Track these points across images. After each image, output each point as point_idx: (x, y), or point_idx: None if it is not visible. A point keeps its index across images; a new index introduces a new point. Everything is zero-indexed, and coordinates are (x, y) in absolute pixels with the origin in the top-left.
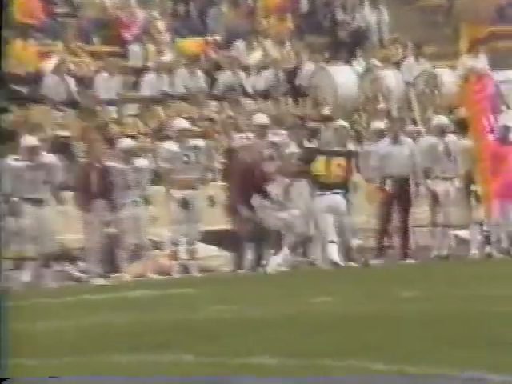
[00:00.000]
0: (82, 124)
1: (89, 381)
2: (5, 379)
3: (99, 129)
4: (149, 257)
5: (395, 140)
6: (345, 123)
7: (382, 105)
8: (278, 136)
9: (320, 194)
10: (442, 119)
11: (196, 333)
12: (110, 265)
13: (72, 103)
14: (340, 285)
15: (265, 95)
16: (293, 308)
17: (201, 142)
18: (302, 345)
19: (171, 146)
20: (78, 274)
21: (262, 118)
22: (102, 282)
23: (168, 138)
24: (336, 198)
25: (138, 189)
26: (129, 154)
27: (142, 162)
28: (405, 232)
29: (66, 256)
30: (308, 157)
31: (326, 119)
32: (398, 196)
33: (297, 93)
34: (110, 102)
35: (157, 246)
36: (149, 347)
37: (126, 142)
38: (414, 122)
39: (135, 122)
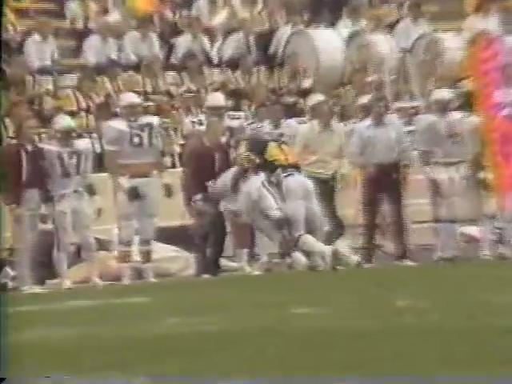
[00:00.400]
0: (10, 97)
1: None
2: (3, 379)
3: (31, 103)
4: (93, 259)
5: (378, 121)
6: (322, 98)
7: (372, 76)
8: (236, 120)
9: (286, 175)
10: (443, 93)
11: (151, 351)
12: (46, 269)
13: None
14: (324, 292)
15: (232, 64)
16: (268, 320)
17: (155, 120)
18: (276, 365)
19: (119, 124)
20: (4, 280)
21: (216, 99)
22: (35, 289)
23: (115, 115)
24: (302, 179)
25: (78, 176)
26: (67, 135)
27: (83, 144)
28: (399, 228)
29: None
30: (258, 146)
31: (306, 93)
32: (386, 186)
33: (271, 62)
34: (44, 71)
35: (103, 245)
36: (93, 368)
37: (64, 120)
38: (411, 97)
39: (75, 95)
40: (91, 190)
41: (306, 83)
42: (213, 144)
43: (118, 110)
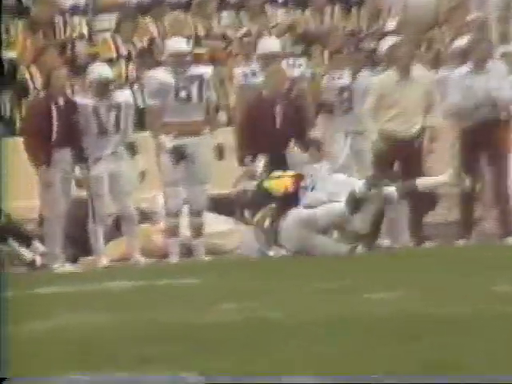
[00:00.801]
0: (37, 42)
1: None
2: (4, 379)
3: (61, 49)
4: (135, 233)
5: (479, 68)
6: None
7: (472, 14)
8: (297, 68)
9: None
10: None
11: (201, 341)
12: (80, 244)
13: (20, 11)
14: (405, 275)
15: (301, 2)
16: (339, 308)
17: (208, 70)
18: (346, 360)
19: (163, 74)
20: (32, 256)
21: (268, 45)
22: (67, 268)
23: (159, 63)
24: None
25: (118, 135)
26: (104, 86)
27: (123, 97)
28: (502, 200)
29: (15, 232)
30: None
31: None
32: (487, 148)
33: None
34: (77, 11)
35: (147, 216)
36: (132, 361)
37: (101, 69)
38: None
39: (113, 39)
40: (133, 150)
41: (391, 25)
42: (273, 95)
43: (162, 57)
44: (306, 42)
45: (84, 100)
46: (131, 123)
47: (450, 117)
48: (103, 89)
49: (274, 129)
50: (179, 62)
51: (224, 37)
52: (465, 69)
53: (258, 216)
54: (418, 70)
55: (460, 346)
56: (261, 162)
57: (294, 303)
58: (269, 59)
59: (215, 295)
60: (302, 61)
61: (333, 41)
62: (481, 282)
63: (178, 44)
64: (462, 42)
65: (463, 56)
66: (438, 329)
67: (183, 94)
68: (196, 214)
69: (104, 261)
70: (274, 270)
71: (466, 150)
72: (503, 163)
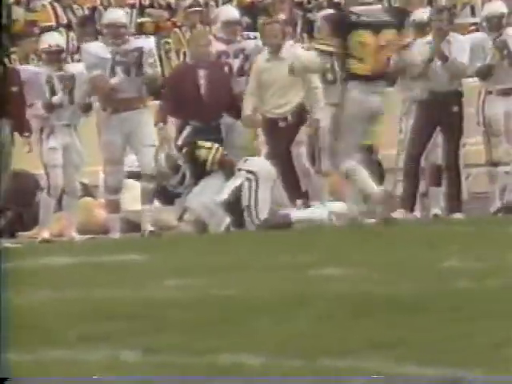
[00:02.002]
0: None
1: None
2: (5, 379)
3: None
4: (74, 207)
5: (440, 38)
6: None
7: None
8: (252, 40)
9: None
10: (495, 6)
11: (143, 319)
12: (16, 219)
13: None
14: (352, 251)
15: None
16: (289, 285)
17: (149, 43)
18: (295, 340)
19: (99, 48)
20: None
21: (229, 12)
22: (5, 243)
23: (101, 34)
24: None
25: (71, 106)
26: (56, 55)
27: (75, 68)
28: (453, 175)
29: None
30: None
31: (341, 8)
32: (442, 121)
33: None
34: None
35: (88, 190)
36: (71, 340)
37: (52, 37)
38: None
39: (53, 7)
40: (86, 108)
41: None
42: (196, 62)
43: (100, 27)
44: (253, 13)
45: (34, 69)
46: (84, 95)
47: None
48: (55, 58)
49: (198, 97)
50: (116, 33)
51: (169, 6)
52: (425, 40)
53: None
54: (291, 48)
55: (411, 323)
56: (185, 131)
57: (243, 280)
58: (229, 27)
59: (160, 272)
60: (256, 34)
61: (280, 11)
62: (427, 259)
63: (115, 15)
64: (422, 14)
65: (423, 28)
66: (387, 306)
67: (119, 69)
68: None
69: (46, 234)
70: (220, 246)
71: (421, 121)
72: (458, 140)
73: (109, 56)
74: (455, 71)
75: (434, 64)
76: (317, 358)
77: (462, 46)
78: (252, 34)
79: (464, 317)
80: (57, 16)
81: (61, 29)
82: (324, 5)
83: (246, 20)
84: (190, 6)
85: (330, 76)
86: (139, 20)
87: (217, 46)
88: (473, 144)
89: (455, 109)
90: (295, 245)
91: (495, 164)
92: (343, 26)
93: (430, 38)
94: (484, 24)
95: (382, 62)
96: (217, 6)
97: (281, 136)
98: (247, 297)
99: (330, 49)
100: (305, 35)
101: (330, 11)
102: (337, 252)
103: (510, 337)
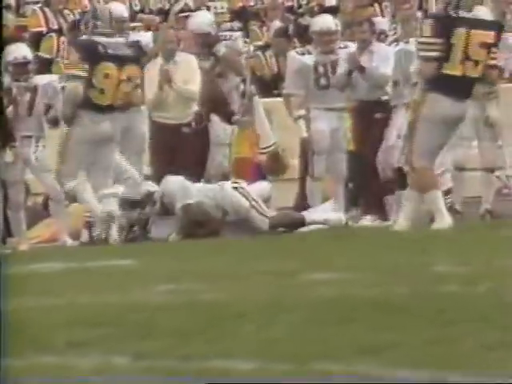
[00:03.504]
0: None
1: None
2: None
3: None
4: (63, 213)
5: (363, 47)
6: None
7: None
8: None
9: None
10: None
11: (135, 324)
12: (3, 226)
13: None
14: (339, 255)
15: None
16: (279, 290)
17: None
18: (285, 345)
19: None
20: None
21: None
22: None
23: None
24: None
25: (31, 118)
26: (21, 68)
27: (42, 80)
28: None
29: None
30: None
31: (333, 13)
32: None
33: None
34: None
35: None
36: (65, 345)
37: (18, 50)
38: None
39: (43, 11)
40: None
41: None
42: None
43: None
44: (244, 17)
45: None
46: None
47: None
48: (21, 70)
49: None
50: (121, 28)
51: (160, 11)
52: (350, 49)
53: None
54: (182, 55)
55: (401, 328)
56: None
57: (232, 286)
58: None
59: (149, 277)
60: (236, 34)
61: (271, 16)
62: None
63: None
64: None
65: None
66: (375, 311)
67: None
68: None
69: (24, 246)
70: (211, 251)
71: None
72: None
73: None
74: (374, 81)
75: (355, 74)
76: (306, 362)
77: (385, 56)
78: (232, 35)
79: (451, 320)
80: (47, 21)
81: (51, 34)
82: (315, 9)
83: (237, 24)
84: (181, 11)
85: None
86: (130, 25)
87: None
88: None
89: (377, 116)
90: (282, 250)
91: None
92: (91, 55)
93: (354, 48)
94: None
95: (121, 94)
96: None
97: None
98: (235, 302)
99: (80, 73)
100: (296, 40)
101: (325, 16)
102: (324, 257)
103: (498, 340)
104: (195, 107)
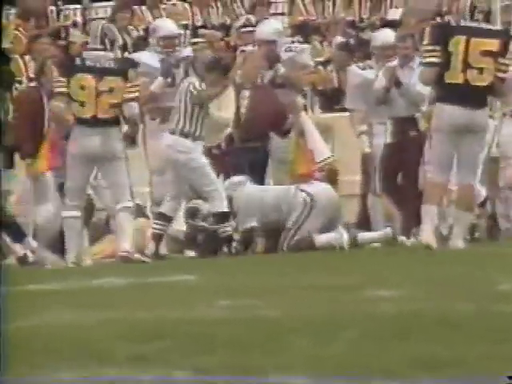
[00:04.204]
0: (29, 31)
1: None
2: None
3: (55, 38)
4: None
5: (404, 62)
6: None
7: (480, 3)
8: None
9: None
10: None
11: (195, 338)
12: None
13: None
14: (400, 272)
15: None
16: (338, 305)
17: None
18: (345, 360)
19: (148, 57)
20: (24, 252)
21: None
22: (60, 264)
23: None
24: None
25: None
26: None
27: None
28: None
29: (8, 226)
30: None
31: (394, 27)
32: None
33: None
34: None
35: (141, 211)
36: (124, 360)
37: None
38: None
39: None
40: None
41: (393, 14)
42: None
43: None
44: (306, 32)
45: None
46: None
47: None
48: None
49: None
50: (169, 45)
51: (222, 26)
52: (393, 63)
53: None
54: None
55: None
56: None
57: (291, 301)
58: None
59: (210, 292)
60: (301, 46)
61: (333, 31)
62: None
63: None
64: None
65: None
66: (438, 327)
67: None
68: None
69: (88, 261)
70: (270, 266)
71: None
72: (416, 159)
73: (157, 65)
74: (410, 98)
75: (392, 90)
76: (364, 378)
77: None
78: (294, 46)
79: (510, 338)
80: (112, 37)
81: (117, 50)
82: (377, 24)
83: (299, 39)
84: (243, 26)
85: None
86: (192, 40)
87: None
88: None
89: (412, 133)
90: (339, 266)
91: None
92: (67, 68)
93: (395, 63)
94: None
95: (105, 106)
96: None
97: None
98: (293, 317)
99: (62, 90)
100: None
101: (386, 30)
102: (379, 272)
103: None
104: (228, 130)
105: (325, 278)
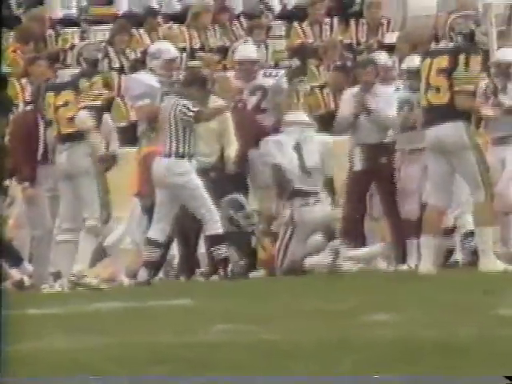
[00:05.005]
0: (27, 54)
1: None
2: None
3: (52, 61)
4: (119, 252)
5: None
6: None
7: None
8: (271, 78)
9: None
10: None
11: (194, 362)
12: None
13: (10, 22)
14: (399, 296)
15: (297, 14)
16: (337, 330)
17: None
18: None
19: (148, 77)
20: (20, 277)
21: (247, 50)
22: (56, 288)
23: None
24: None
25: None
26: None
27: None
28: (393, 220)
29: (5, 251)
30: None
31: (390, 50)
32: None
33: (346, 11)
34: (69, 22)
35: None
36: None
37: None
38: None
39: (106, 51)
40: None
41: (390, 37)
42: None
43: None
44: (303, 55)
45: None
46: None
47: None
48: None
49: None
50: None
51: (220, 49)
52: (355, 89)
53: None
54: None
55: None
56: None
57: (288, 326)
58: (244, 65)
59: (207, 316)
60: (281, 72)
61: (330, 54)
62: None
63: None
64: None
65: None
66: (439, 352)
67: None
68: None
69: (91, 281)
70: (267, 290)
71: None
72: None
73: (158, 85)
74: (380, 124)
75: (361, 117)
76: None
77: (387, 99)
78: (274, 72)
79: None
80: (109, 59)
81: (113, 72)
82: (374, 46)
83: (296, 63)
84: None
85: None
86: (190, 63)
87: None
88: None
89: (383, 160)
90: (338, 290)
91: None
92: (38, 89)
93: (356, 89)
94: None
95: (64, 121)
96: (266, 48)
97: None
98: (292, 342)
99: None
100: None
101: (382, 52)
102: (382, 297)
103: None
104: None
105: (325, 302)
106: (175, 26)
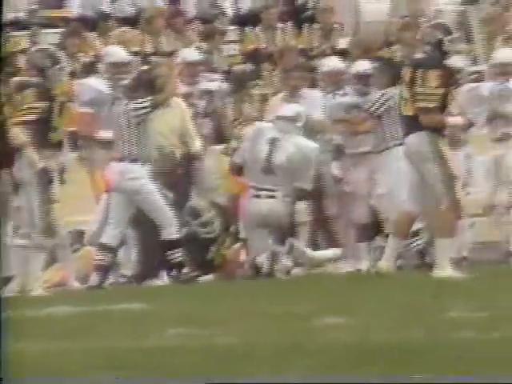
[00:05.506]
0: None
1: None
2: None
3: (1, 64)
4: (68, 257)
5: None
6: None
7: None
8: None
9: None
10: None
11: (147, 366)
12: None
13: None
14: (351, 299)
15: (251, 19)
16: (291, 333)
17: None
18: None
19: (97, 82)
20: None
21: (189, 54)
22: (8, 292)
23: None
24: None
25: None
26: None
27: None
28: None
29: None
30: None
31: (343, 55)
32: None
33: (299, 16)
34: (19, 25)
35: (85, 239)
36: None
37: None
38: (474, 59)
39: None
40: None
41: (343, 43)
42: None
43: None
44: (257, 60)
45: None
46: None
47: None
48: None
49: None
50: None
51: (173, 54)
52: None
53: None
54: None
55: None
56: None
57: (246, 328)
58: (188, 68)
59: (163, 320)
60: (217, 76)
61: (285, 59)
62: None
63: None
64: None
65: None
66: (388, 356)
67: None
68: None
69: (39, 288)
70: (221, 294)
71: None
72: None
73: (107, 90)
74: (312, 128)
75: None
76: None
77: (314, 102)
78: (214, 76)
79: (467, 367)
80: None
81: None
82: (327, 52)
83: (250, 67)
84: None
85: None
86: (142, 68)
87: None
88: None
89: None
90: (294, 293)
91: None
92: None
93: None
94: None
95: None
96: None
97: None
98: (246, 345)
99: None
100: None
101: (332, 58)
102: (336, 300)
103: None
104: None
105: (282, 305)
106: (127, 30)
